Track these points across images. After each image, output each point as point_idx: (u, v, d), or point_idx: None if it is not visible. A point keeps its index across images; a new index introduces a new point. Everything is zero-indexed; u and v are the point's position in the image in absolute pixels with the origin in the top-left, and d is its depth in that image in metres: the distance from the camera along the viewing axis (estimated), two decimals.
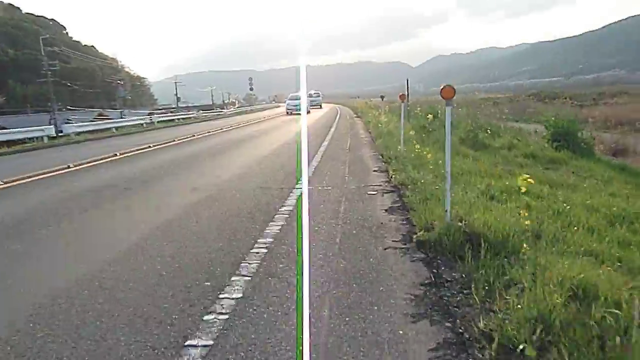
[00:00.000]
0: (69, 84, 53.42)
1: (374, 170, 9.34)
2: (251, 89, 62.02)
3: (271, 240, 4.84)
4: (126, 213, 6.71)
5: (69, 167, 11.73)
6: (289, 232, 5.13)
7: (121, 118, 33.87)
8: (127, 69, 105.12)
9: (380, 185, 7.72)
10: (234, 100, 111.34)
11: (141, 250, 4.70)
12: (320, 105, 52.64)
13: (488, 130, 15.34)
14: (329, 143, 14.81)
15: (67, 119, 35.24)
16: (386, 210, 6.02)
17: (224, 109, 70.93)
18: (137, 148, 16.07)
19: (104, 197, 7.80)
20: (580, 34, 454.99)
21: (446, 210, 4.59)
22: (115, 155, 14.20)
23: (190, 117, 44.29)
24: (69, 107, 46.26)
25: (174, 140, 18.79)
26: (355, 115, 33.44)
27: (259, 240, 4.82)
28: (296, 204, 6.38)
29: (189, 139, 19.71)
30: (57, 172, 11.06)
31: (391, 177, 8.20)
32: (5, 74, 58.96)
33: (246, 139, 18.70)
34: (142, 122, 33.48)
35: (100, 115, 40.60)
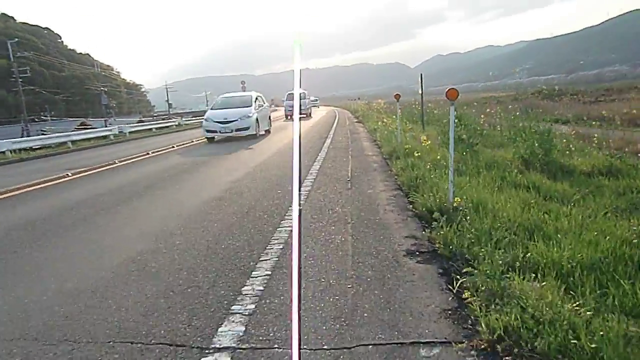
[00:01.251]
0: (56, 93, 52.04)
1: (410, 250, 4.12)
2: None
3: None
4: None
5: None
6: None
7: (105, 127, 32.08)
8: (123, 77, 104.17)
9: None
10: None
11: None
12: (317, 106, 61.51)
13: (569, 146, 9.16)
14: (320, 169, 9.22)
15: (42, 130, 33.40)
16: None
17: None
18: (55, 177, 11.15)
19: None
20: (580, 30, 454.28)
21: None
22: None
23: (169, 126, 40.20)
24: (53, 117, 45.08)
25: (127, 159, 14.46)
26: (356, 120, 28.11)
27: None
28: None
29: (146, 156, 15.12)
30: None
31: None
32: None
33: (210, 160, 12.58)
34: (109, 133, 30.16)
35: (82, 124, 39.11)
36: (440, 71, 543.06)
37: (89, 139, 26.81)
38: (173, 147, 18.14)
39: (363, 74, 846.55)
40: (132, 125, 35.71)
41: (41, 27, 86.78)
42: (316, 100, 78.02)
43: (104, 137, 28.92)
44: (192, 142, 19.93)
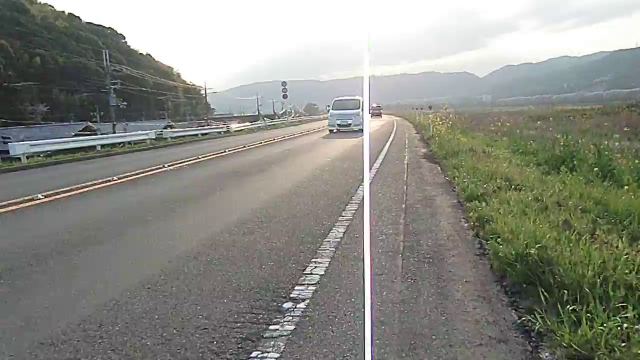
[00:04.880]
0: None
1: None
2: (285, 97, 57.32)
3: None
4: None
5: None
6: None
7: (114, 133, 29.02)
8: (183, 78, 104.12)
9: None
10: (290, 110, 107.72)
11: None
12: (380, 115, 65.07)
13: None
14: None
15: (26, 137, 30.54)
16: None
17: (273, 119, 66.73)
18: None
19: None
20: None
21: None
22: None
23: (208, 132, 35.14)
24: (75, 119, 43.22)
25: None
26: (422, 146, 17.84)
27: None
28: None
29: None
30: None
31: None
32: (51, 83, 57.59)
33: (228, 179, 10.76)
34: (123, 140, 25.87)
35: (86, 129, 36.59)
36: (511, 82, 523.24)
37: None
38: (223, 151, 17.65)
39: (430, 83, 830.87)
40: (143, 131, 30.20)
41: (105, 27, 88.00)
42: (379, 107, 73.00)
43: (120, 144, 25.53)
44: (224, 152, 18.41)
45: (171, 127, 37.36)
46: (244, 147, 20.78)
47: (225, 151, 18.76)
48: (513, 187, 7.02)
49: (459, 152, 12.25)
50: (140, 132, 29.89)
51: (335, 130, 27.03)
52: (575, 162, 9.44)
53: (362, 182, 8.26)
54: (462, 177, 8.44)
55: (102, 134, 29.98)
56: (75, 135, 28.18)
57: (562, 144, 10.77)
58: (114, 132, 29.64)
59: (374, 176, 10.26)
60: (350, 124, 26.73)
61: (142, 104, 72.53)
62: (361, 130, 22.38)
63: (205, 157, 16.84)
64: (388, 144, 19.30)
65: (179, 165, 14.43)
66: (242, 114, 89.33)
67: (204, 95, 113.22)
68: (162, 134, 30.00)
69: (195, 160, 15.71)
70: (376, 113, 66.52)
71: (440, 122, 22.58)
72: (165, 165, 14.02)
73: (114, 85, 39.07)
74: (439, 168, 11.40)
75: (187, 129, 37.21)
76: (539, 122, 33.87)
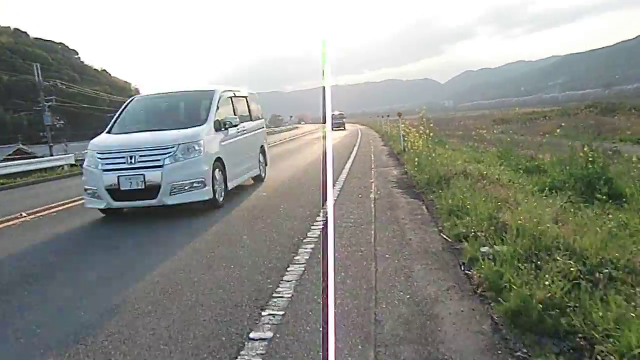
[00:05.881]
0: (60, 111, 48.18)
1: None
2: None
3: None
4: None
5: None
6: None
7: (51, 155, 26.66)
8: (142, 92, 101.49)
9: None
10: None
11: None
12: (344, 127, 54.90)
13: None
14: None
15: None
16: None
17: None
18: None
19: None
20: (614, 45, 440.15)
21: None
22: None
23: None
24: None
25: None
26: (393, 165, 14.60)
27: None
28: None
29: None
30: None
31: None
32: None
33: None
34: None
35: (17, 151, 34.39)
36: (471, 87, 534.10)
37: None
38: None
39: (393, 90, 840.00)
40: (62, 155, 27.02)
41: (55, 43, 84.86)
42: (342, 116, 59.62)
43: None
44: None
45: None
46: None
47: None
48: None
49: (448, 176, 8.68)
50: (58, 155, 26.60)
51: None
52: (610, 186, 7.03)
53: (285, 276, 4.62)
54: (478, 240, 4.86)
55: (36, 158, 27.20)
56: (4, 160, 26.00)
57: (588, 157, 8.06)
58: (51, 155, 27.10)
59: (309, 254, 5.45)
60: (340, 124, 52.00)
61: (98, 121, 69.44)
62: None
63: None
64: (349, 163, 15.40)
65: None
66: None
67: None
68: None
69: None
70: (337, 124, 52.41)
71: (414, 132, 17.22)
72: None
73: (48, 103, 36.77)
74: (425, 209, 7.51)
75: None
76: (508, 125, 33.75)
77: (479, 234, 5.02)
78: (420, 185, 9.47)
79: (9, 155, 31.92)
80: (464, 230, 5.39)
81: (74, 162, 24.12)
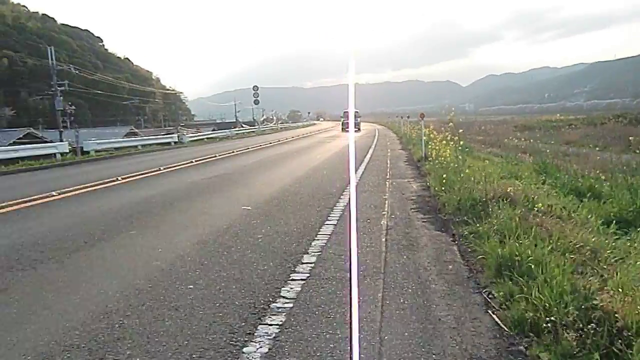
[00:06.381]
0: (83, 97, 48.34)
1: None
2: (256, 102, 55.76)
3: None
4: None
5: None
6: None
7: (61, 141, 26.33)
8: (162, 83, 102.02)
9: None
10: (271, 117, 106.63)
11: None
12: (358, 129, 47.14)
13: None
14: None
15: None
16: None
17: (253, 125, 64.99)
18: None
19: None
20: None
21: None
22: None
23: (151, 144, 31.78)
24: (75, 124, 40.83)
25: None
26: (412, 177, 12.24)
27: None
28: None
29: None
30: None
31: None
32: (19, 85, 55.08)
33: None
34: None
35: (28, 135, 34.33)
36: (493, 91, 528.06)
37: None
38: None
39: (413, 91, 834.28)
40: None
41: (80, 29, 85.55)
42: (357, 115, 52.25)
43: None
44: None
45: (134, 134, 35.29)
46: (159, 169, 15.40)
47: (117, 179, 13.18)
48: None
49: (484, 200, 6.74)
50: (47, 144, 25.44)
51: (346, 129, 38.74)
52: None
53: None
54: (562, 346, 2.76)
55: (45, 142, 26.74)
56: (14, 144, 26.01)
57: None
58: (61, 141, 26.83)
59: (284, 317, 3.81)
60: (354, 124, 43.31)
61: (117, 108, 70.18)
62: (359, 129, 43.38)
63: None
64: (361, 170, 13.83)
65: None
66: (223, 120, 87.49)
67: (183, 101, 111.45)
68: (82, 147, 24.61)
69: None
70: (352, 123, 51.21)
71: (438, 137, 14.95)
72: None
73: (60, 87, 36.68)
74: (457, 253, 5.40)
75: (123, 139, 33.90)
76: (535, 132, 32.83)
77: (560, 329, 2.86)
78: (448, 209, 7.34)
79: (19, 138, 31.96)
80: (532, 315, 3.14)
81: (67, 150, 23.88)
